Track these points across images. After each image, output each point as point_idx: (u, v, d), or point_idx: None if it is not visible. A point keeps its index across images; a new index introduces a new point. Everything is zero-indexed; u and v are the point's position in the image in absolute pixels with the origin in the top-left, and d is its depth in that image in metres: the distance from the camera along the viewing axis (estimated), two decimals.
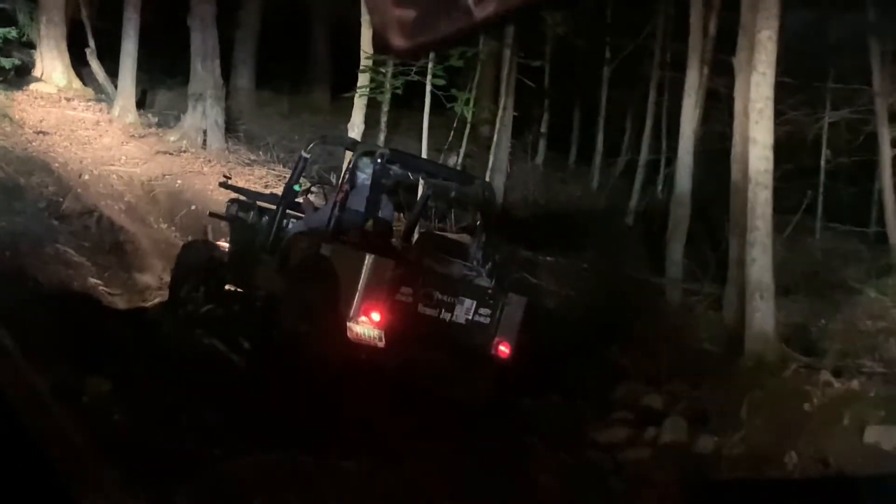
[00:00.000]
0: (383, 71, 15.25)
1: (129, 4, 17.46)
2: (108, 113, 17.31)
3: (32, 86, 17.08)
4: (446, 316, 9.75)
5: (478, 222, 11.47)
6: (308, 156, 11.38)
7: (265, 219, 10.95)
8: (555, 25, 19.02)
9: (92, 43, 17.92)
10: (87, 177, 14.42)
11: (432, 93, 15.47)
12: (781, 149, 12.57)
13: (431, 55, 14.91)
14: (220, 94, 17.63)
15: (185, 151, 16.78)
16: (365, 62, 14.90)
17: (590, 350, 13.04)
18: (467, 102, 16.35)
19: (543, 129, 21.94)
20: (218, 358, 9.48)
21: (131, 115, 17.33)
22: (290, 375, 8.88)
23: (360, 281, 9.10)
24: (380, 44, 1.17)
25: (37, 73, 17.54)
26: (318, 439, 7.55)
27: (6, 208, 12.30)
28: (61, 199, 13.16)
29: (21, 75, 16.81)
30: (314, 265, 9.88)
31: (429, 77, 15.10)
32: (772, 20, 11.65)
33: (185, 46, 17.52)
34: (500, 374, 10.10)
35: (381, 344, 9.15)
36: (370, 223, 10.01)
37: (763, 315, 11.47)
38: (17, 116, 15.05)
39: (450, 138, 18.24)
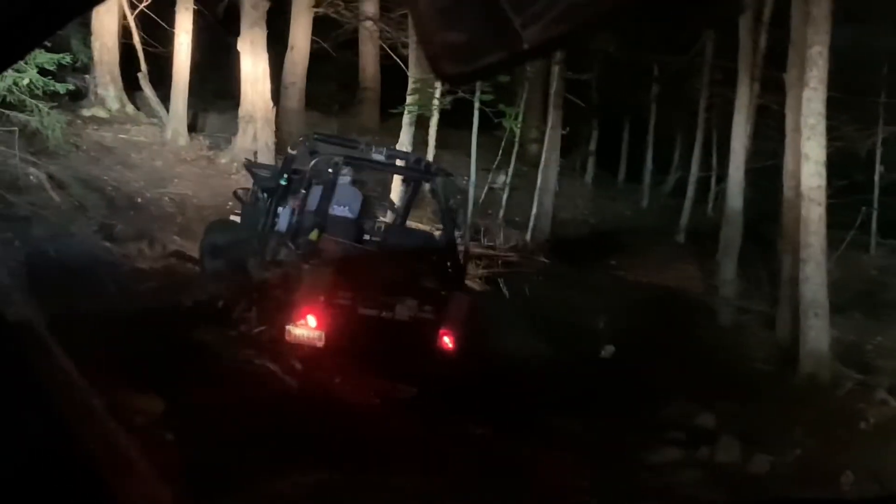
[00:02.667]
0: (431, 91, 15.30)
1: (180, 29, 17.67)
2: (161, 136, 17.49)
3: (86, 110, 17.32)
4: (388, 314, 10.26)
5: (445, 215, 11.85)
6: (294, 152, 11.81)
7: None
8: (603, 43, 19.00)
9: (144, 67, 18.15)
10: (139, 199, 14.59)
11: (480, 110, 15.49)
12: (834, 165, 12.45)
13: None
14: (271, 116, 17.75)
15: (235, 174, 16.90)
16: (413, 84, 14.98)
17: (640, 369, 12.94)
18: (516, 117, 16.37)
19: (592, 148, 21.90)
20: (270, 379, 9.58)
21: (183, 138, 17.52)
22: (336, 396, 8.98)
23: (299, 287, 10.02)
24: (432, 70, 1.17)
25: (90, 97, 17.79)
26: (367, 457, 7.59)
27: (61, 231, 12.50)
28: (114, 222, 13.33)
29: (75, 100, 17.04)
30: (274, 269, 10.70)
31: (477, 94, 15.13)
32: (823, 35, 11.57)
33: (236, 69, 17.69)
34: (448, 363, 10.26)
35: (321, 344, 9.73)
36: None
37: (817, 333, 11.35)
38: (71, 140, 15.26)
39: (498, 157, 18.27)
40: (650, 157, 21.64)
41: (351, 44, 22.98)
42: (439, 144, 17.88)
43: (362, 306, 10.18)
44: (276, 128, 17.72)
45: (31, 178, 13.38)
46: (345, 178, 11.21)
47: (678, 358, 13.47)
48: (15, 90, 13.00)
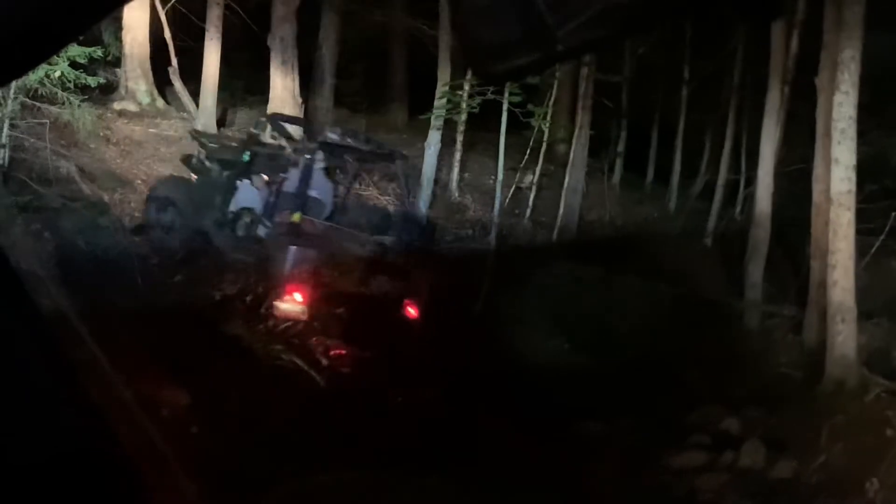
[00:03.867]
0: (460, 93, 15.30)
1: (210, 24, 17.75)
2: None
3: (116, 104, 17.41)
4: (362, 289, 11.65)
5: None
6: (257, 131, 13.13)
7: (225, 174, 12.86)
8: (634, 45, 18.94)
9: (175, 62, 18.24)
10: None
11: (509, 111, 15.46)
12: (864, 170, 12.35)
13: None
14: (299, 113, 17.80)
15: None
16: (441, 88, 14.98)
17: (666, 373, 12.90)
18: (544, 117, 16.34)
19: (620, 149, 21.80)
20: (297, 374, 9.67)
21: (212, 132, 17.60)
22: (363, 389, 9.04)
23: (285, 267, 11.14)
24: (468, 66, 1.19)
25: (121, 91, 17.88)
26: (393, 454, 7.62)
27: (91, 224, 12.60)
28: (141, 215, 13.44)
29: (106, 93, 17.13)
30: (251, 246, 11.97)
31: (506, 95, 15.11)
32: (854, 40, 11.49)
33: (266, 65, 17.75)
34: (412, 328, 11.77)
35: (305, 317, 10.93)
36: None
37: (844, 339, 11.27)
38: (101, 133, 15.36)
39: (525, 157, 18.25)
40: (678, 160, 21.50)
41: (381, 41, 23.01)
42: (467, 144, 17.93)
43: (340, 283, 11.47)
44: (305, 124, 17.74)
45: (62, 170, 13.51)
46: (319, 163, 12.30)
47: (704, 362, 13.43)
48: (47, 82, 13.10)
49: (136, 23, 17.87)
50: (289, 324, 10.93)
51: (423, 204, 14.99)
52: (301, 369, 10.05)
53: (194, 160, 13.39)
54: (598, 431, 11.06)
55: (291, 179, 11.96)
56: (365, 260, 11.92)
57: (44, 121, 13.31)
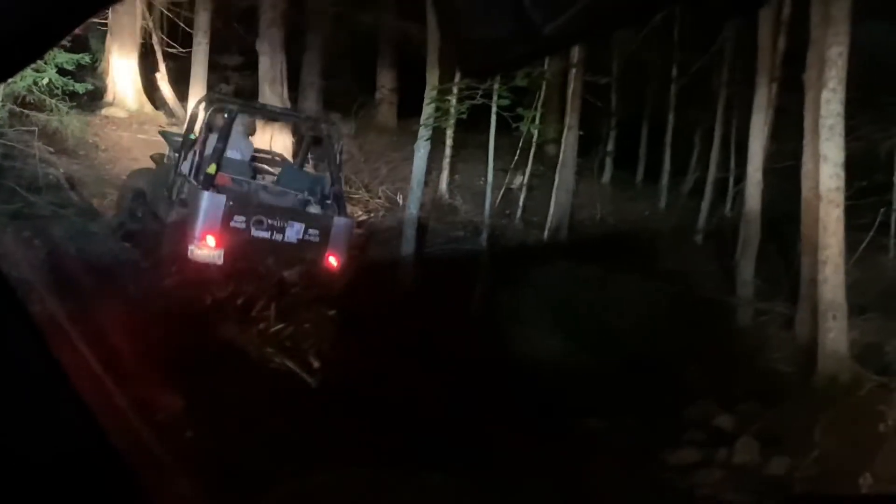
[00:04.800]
0: (449, 98, 15.30)
1: (198, 30, 17.75)
2: None
3: (105, 110, 17.43)
4: (278, 237, 11.98)
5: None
6: (198, 111, 13.37)
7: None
8: (622, 43, 18.96)
9: (162, 67, 18.24)
10: None
11: (498, 114, 15.47)
12: (853, 166, 12.37)
13: (497, 76, 14.99)
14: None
15: None
16: (430, 93, 14.98)
17: (660, 370, 12.93)
18: (533, 120, 16.35)
19: (610, 148, 21.83)
20: (289, 376, 9.70)
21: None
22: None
23: (199, 212, 11.55)
24: (453, 64, 1.19)
25: (109, 97, 17.89)
26: (391, 454, 7.65)
27: (81, 230, 12.60)
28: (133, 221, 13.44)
29: (94, 99, 17.14)
30: (179, 202, 12.23)
31: (494, 98, 15.11)
32: (841, 36, 11.52)
33: (254, 69, 17.75)
34: (332, 277, 12.19)
35: (220, 262, 11.44)
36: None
37: (836, 334, 11.31)
38: (90, 140, 15.37)
39: (515, 158, 18.27)
40: (668, 158, 21.54)
41: (370, 43, 23.00)
42: (457, 146, 17.96)
43: (255, 229, 11.80)
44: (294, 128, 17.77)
45: (51, 177, 13.50)
46: (238, 129, 12.99)
47: (698, 358, 13.46)
48: (35, 89, 13.09)
49: (123, 29, 17.88)
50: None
51: (413, 206, 14.97)
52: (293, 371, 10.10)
53: (165, 158, 13.85)
54: (597, 429, 11.09)
55: (210, 141, 12.44)
56: (280, 211, 12.37)
57: (32, 128, 13.31)
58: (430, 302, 12.88)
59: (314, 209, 12.85)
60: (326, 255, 12.28)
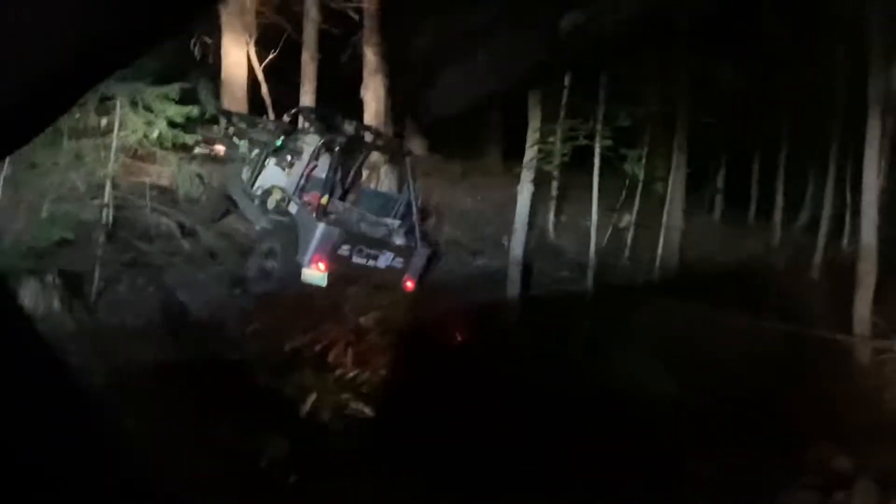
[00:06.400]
0: (552, 140, 15.30)
1: (305, 78, 18.07)
2: None
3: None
4: (371, 263, 13.70)
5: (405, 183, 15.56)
6: (287, 119, 15.50)
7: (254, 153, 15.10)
8: (726, 81, 18.74)
9: (272, 116, 18.57)
10: None
11: (602, 154, 15.40)
12: None
13: (599, 115, 14.97)
14: (399, 157, 18.00)
15: None
16: (532, 135, 15.01)
17: (773, 411, 12.61)
18: (639, 160, 16.23)
19: (720, 185, 21.53)
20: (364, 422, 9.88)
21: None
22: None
23: (313, 241, 12.96)
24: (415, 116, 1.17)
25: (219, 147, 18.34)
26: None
27: (192, 278, 12.98)
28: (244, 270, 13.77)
29: None
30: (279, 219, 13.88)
31: (597, 139, 15.05)
32: None
33: (360, 118, 17.98)
34: (409, 296, 14.07)
35: (324, 284, 12.93)
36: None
37: None
38: (200, 190, 15.72)
39: (622, 197, 18.13)
40: (781, 193, 21.13)
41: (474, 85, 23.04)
42: (563, 185, 17.94)
43: (356, 256, 13.46)
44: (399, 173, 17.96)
45: (163, 226, 13.85)
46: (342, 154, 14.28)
47: (812, 399, 13.10)
48: (146, 142, 13.49)
49: (233, 79, 18.33)
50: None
51: (517, 248, 14.98)
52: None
53: (216, 132, 15.76)
54: (710, 474, 10.85)
55: (321, 166, 14.15)
56: (376, 242, 13.99)
57: (144, 179, 13.71)
58: (533, 343, 12.83)
59: (400, 240, 14.50)
60: (405, 279, 14.07)
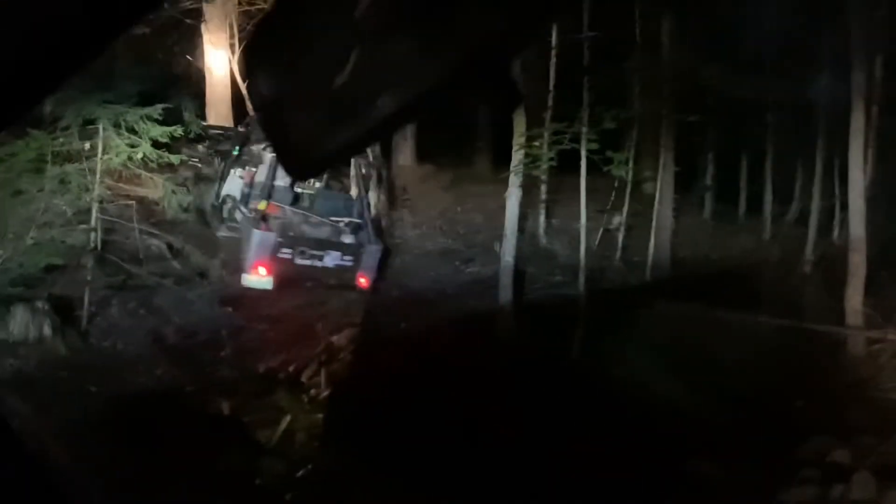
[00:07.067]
0: (537, 144, 15.31)
1: None
2: None
3: None
4: (318, 263, 13.91)
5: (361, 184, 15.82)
6: (243, 129, 15.82)
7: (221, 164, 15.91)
8: (711, 79, 18.73)
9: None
10: None
11: (588, 157, 15.40)
12: None
13: (585, 119, 14.97)
14: (384, 173, 18.03)
15: None
16: (518, 140, 14.99)
17: (771, 406, 12.61)
18: (626, 162, 16.23)
19: (709, 182, 21.55)
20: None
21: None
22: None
23: (251, 247, 13.37)
24: (283, 167, 1.16)
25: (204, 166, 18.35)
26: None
27: (182, 298, 13.00)
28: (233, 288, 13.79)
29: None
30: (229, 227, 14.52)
31: (583, 143, 15.05)
32: None
33: None
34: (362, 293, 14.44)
35: (270, 287, 13.33)
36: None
37: None
38: (188, 210, 15.74)
39: (612, 198, 18.14)
40: (770, 188, 21.16)
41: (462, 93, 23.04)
42: (552, 189, 17.96)
43: (299, 258, 13.69)
44: (389, 183, 18.03)
45: (152, 248, 13.87)
46: None
47: (809, 392, 13.11)
48: (130, 164, 13.48)
49: (218, 99, 18.33)
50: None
51: (508, 254, 14.97)
52: None
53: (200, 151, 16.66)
54: (710, 472, 10.85)
55: (261, 171, 14.42)
56: (320, 243, 14.28)
57: (130, 202, 13.71)
58: (527, 350, 12.83)
59: (348, 238, 14.82)
60: (358, 276, 14.35)
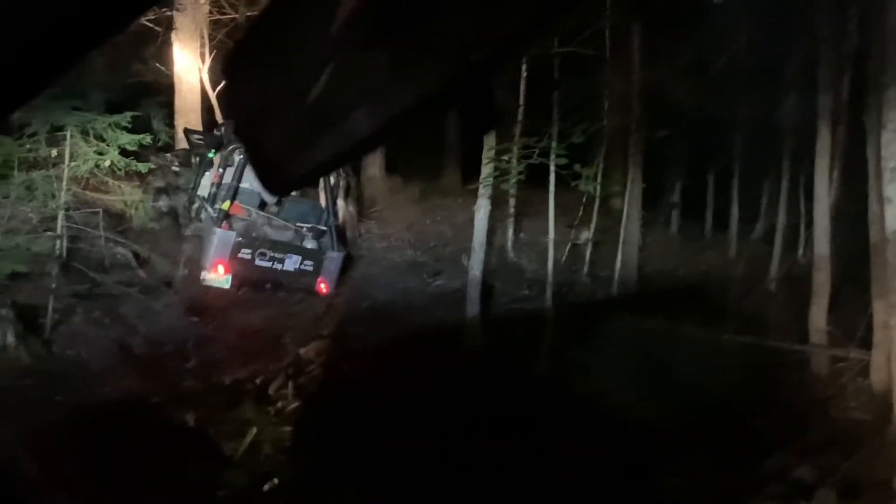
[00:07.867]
0: (506, 158, 15.36)
1: None
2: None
3: None
4: (278, 266, 14.17)
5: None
6: (220, 133, 15.62)
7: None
8: (679, 96, 18.83)
9: None
10: None
11: (557, 172, 15.46)
12: None
13: (554, 133, 15.03)
14: (353, 185, 18.03)
15: None
16: (487, 153, 15.03)
17: (735, 422, 12.67)
18: (594, 178, 16.30)
19: (676, 199, 21.66)
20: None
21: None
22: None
23: (212, 246, 13.58)
24: (262, 185, 1.16)
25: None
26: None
27: (148, 307, 12.90)
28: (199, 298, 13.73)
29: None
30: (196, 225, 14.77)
31: (552, 157, 15.11)
32: None
33: None
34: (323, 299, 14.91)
35: (227, 286, 13.55)
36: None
37: None
38: (155, 218, 15.69)
39: (580, 213, 18.20)
40: (736, 206, 21.31)
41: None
42: (521, 203, 18.01)
43: (259, 259, 13.94)
44: (358, 195, 18.03)
45: (118, 256, 13.79)
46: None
47: (774, 409, 13.19)
48: (97, 172, 13.42)
49: (188, 107, 18.27)
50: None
51: (476, 267, 15.00)
52: None
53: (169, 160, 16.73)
54: (675, 486, 10.90)
55: (228, 173, 14.54)
56: (281, 245, 14.46)
57: (97, 210, 13.63)
58: (494, 363, 12.85)
59: (310, 244, 14.96)
60: (318, 282, 14.62)
